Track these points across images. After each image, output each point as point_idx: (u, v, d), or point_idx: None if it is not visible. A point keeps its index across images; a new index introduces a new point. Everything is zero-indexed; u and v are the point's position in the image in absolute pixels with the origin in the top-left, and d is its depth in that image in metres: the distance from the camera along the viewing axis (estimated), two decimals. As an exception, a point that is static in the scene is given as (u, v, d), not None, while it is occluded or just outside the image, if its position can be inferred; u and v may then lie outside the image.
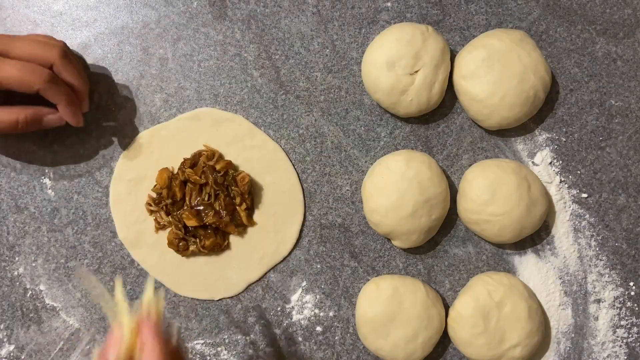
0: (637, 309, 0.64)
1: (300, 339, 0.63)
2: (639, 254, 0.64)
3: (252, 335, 0.63)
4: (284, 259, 0.64)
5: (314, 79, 0.65)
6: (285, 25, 0.66)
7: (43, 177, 0.64)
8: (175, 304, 0.64)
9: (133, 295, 0.64)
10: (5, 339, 0.63)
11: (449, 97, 0.65)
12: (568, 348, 0.64)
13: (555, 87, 0.66)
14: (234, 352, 0.63)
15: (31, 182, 0.64)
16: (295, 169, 0.64)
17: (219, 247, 0.63)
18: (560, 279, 0.64)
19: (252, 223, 0.64)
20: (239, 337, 0.63)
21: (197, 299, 0.64)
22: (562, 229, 0.64)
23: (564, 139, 0.65)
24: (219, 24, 0.66)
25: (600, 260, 0.64)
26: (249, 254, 0.64)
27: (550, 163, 0.65)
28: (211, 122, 0.64)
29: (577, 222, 0.65)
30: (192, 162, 0.62)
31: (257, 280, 0.64)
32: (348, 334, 0.63)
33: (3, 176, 0.64)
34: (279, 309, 0.64)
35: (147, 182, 0.64)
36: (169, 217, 0.62)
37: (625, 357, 0.63)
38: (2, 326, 0.63)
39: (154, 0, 0.66)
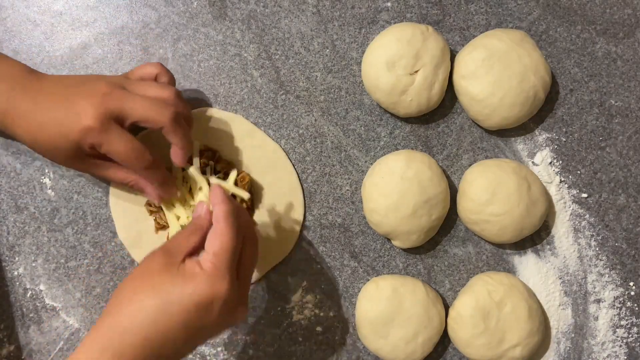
0: (637, 309, 0.64)
1: (300, 339, 0.63)
2: (639, 254, 0.64)
3: (252, 335, 0.63)
4: (284, 259, 0.64)
5: (314, 79, 0.65)
6: (285, 25, 0.66)
7: (43, 177, 0.64)
8: (175, 304, 0.64)
9: (133, 295, 0.63)
10: (5, 339, 0.63)
11: (449, 97, 0.65)
12: (568, 348, 0.64)
13: (555, 87, 0.66)
14: (234, 352, 0.63)
15: (31, 182, 0.64)
16: (295, 169, 0.64)
17: (219, 247, 0.63)
18: (560, 279, 0.64)
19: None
20: (239, 337, 0.63)
21: (197, 299, 0.64)
22: (562, 229, 0.64)
23: (564, 139, 0.65)
24: (219, 24, 0.66)
25: (600, 260, 0.64)
26: (249, 254, 0.64)
27: (550, 163, 0.65)
28: (211, 122, 0.64)
29: (577, 222, 0.65)
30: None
31: (257, 280, 0.64)
32: (348, 334, 0.63)
33: (3, 176, 0.64)
34: (279, 309, 0.64)
35: (147, 182, 0.64)
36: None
37: (625, 357, 0.63)
38: (2, 326, 0.63)
39: (154, 0, 0.66)
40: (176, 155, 0.57)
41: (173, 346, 0.47)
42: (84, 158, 0.56)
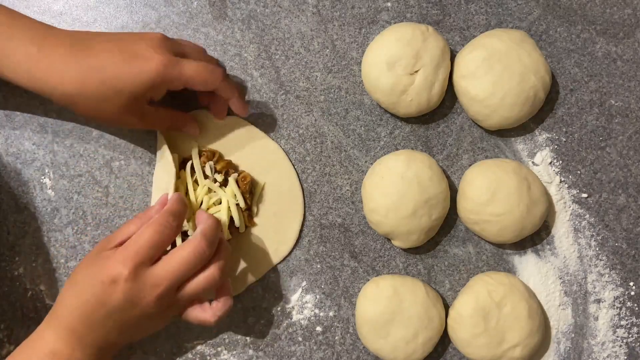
0: (637, 309, 0.64)
1: (300, 339, 0.63)
2: (639, 254, 0.64)
3: (252, 335, 0.63)
4: (284, 259, 0.64)
5: (314, 79, 0.65)
6: (285, 25, 0.66)
7: (43, 177, 0.64)
8: (175, 304, 0.64)
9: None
10: (5, 339, 0.63)
11: (449, 97, 0.65)
12: (568, 348, 0.64)
13: (555, 87, 0.66)
14: (234, 352, 0.63)
15: (31, 182, 0.64)
16: (295, 169, 0.64)
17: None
18: (560, 279, 0.64)
19: (252, 223, 0.64)
20: (239, 337, 0.63)
21: (197, 299, 0.64)
22: (562, 229, 0.64)
23: (564, 139, 0.65)
24: (219, 24, 0.66)
25: (600, 260, 0.64)
26: (249, 253, 0.64)
27: (550, 163, 0.65)
28: (211, 122, 0.64)
29: (577, 222, 0.65)
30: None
31: (257, 280, 0.64)
32: (348, 334, 0.63)
33: (3, 176, 0.64)
34: (279, 309, 0.64)
35: (147, 182, 0.64)
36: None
37: (625, 357, 0.63)
38: (2, 326, 0.63)
39: (154, 0, 0.66)
40: (238, 106, 0.61)
41: (106, 320, 0.51)
42: (136, 108, 0.55)
